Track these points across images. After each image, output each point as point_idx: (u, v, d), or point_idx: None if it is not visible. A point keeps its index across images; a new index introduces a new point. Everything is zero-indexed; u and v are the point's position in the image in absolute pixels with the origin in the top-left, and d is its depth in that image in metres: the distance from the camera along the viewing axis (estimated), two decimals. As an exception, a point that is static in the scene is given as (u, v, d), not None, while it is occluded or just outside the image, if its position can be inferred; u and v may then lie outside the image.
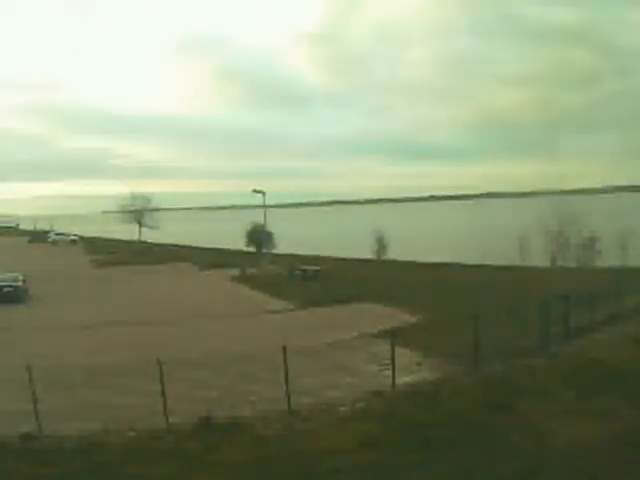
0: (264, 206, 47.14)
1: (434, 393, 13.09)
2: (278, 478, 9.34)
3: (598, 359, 14.24)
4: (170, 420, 12.10)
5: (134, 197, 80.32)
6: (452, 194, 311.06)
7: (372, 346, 17.27)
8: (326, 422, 11.90)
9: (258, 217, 50.31)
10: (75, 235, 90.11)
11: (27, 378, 12.31)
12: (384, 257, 53.78)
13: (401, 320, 22.70)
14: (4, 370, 14.48)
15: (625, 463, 8.84)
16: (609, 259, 42.42)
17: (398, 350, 14.76)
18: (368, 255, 54.59)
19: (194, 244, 76.59)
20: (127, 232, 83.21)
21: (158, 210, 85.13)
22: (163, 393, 12.32)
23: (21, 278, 34.01)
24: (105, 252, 64.98)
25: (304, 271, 38.36)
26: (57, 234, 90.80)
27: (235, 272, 42.41)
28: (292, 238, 66.53)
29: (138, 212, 79.44)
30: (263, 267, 43.96)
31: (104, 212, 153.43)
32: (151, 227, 79.82)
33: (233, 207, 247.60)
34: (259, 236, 55.76)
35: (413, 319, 23.10)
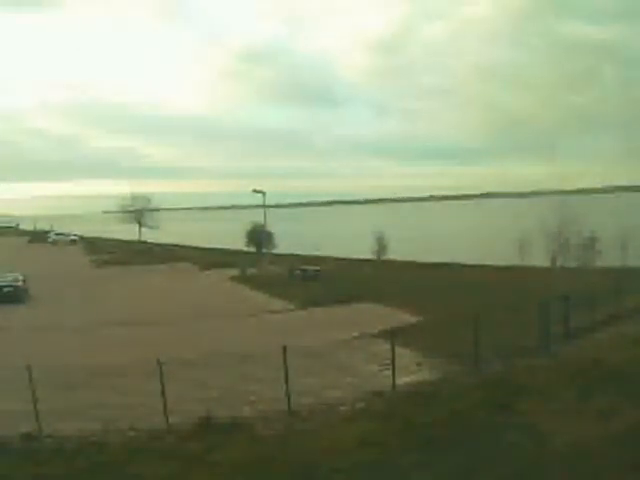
0: (264, 206, 47.15)
1: (434, 393, 13.08)
2: (278, 478, 9.33)
3: (598, 359, 14.22)
4: (170, 420, 12.10)
5: (134, 197, 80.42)
6: (452, 194, 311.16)
7: (372, 346, 17.27)
8: (326, 422, 11.90)
9: (259, 217, 50.24)
10: (75, 235, 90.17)
11: (27, 378, 12.31)
12: (384, 257, 53.73)
13: (401, 320, 22.70)
14: (4, 370, 14.45)
15: (625, 463, 8.84)
16: (609, 259, 42.38)
17: (398, 350, 14.76)
18: (368, 255, 54.55)
19: (194, 244, 76.65)
20: (127, 232, 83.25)
21: (158, 210, 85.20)
22: (163, 393, 12.32)
23: (21, 278, 34.03)
24: (105, 252, 65.03)
25: (304, 271, 38.36)
26: (57, 234, 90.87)
27: (235, 272, 42.42)
28: (292, 238, 66.57)
29: (138, 212, 79.50)
30: (263, 267, 43.96)
31: (104, 212, 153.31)
32: (151, 227, 79.88)
33: (233, 207, 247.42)
34: (259, 236, 55.78)
35: (413, 319, 23.10)
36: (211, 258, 53.36)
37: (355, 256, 53.66)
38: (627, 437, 9.69)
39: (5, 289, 32.38)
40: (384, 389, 13.87)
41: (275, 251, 55.77)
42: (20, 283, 33.50)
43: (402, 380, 14.40)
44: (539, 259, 45.68)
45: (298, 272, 38.52)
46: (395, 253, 53.48)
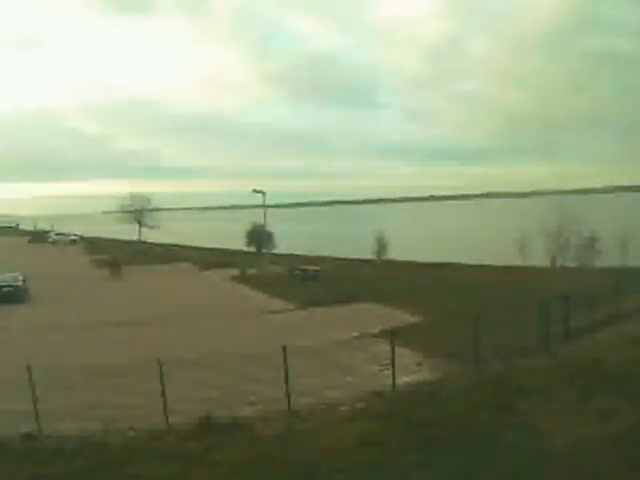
0: (264, 206, 47.18)
1: (434, 393, 13.07)
2: (278, 478, 9.33)
3: (598, 359, 14.22)
4: (170, 420, 12.10)
5: (134, 197, 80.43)
6: (452, 194, 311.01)
7: (372, 346, 17.26)
8: (326, 422, 11.89)
9: (260, 217, 50.17)
10: (75, 235, 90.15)
11: (27, 378, 12.31)
12: (384, 257, 53.73)
13: (401, 320, 22.71)
14: (4, 370, 14.48)
15: (625, 463, 8.84)
16: (609, 259, 42.39)
17: (398, 350, 14.76)
18: (368, 255, 54.54)
19: (194, 244, 76.66)
20: (127, 232, 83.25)
21: (159, 210, 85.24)
22: (163, 393, 12.32)
23: (21, 278, 34.05)
24: (105, 252, 65.00)
25: (304, 271, 38.39)
26: (57, 234, 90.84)
27: (235, 272, 42.45)
28: (292, 238, 66.58)
29: (138, 212, 79.50)
30: (263, 267, 43.97)
31: (104, 212, 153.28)
32: (151, 227, 79.89)
33: (233, 207, 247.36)
34: (259, 236, 55.79)
35: (413, 319, 23.11)
36: (211, 258, 53.38)
37: (355, 256, 53.68)
38: (627, 437, 9.69)
39: (5, 289, 32.40)
40: (384, 389, 13.87)
41: (275, 251, 55.80)
42: (20, 283, 33.52)
43: (402, 380, 14.40)
44: (539, 259, 45.70)
45: (298, 272, 38.54)
46: (395, 253, 53.49)
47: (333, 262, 48.09)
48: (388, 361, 14.39)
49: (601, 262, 43.26)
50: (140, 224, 79.93)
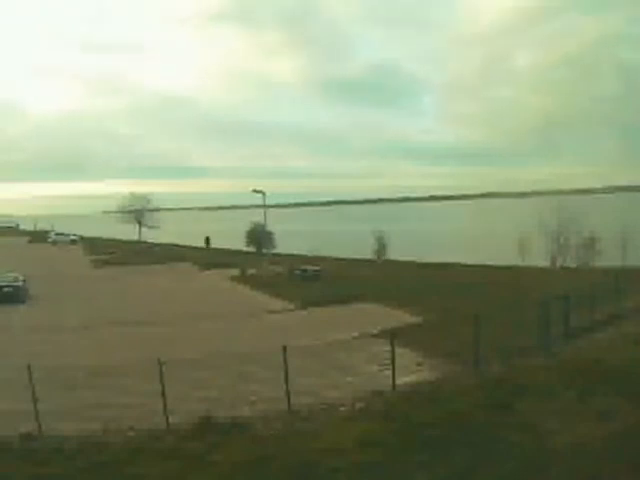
0: (264, 206, 47.21)
1: (434, 393, 13.08)
2: (278, 478, 9.34)
3: (598, 359, 14.23)
4: (170, 420, 12.10)
5: (134, 197, 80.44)
6: (452, 194, 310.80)
7: (372, 346, 17.26)
8: (326, 422, 11.89)
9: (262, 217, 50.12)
10: (75, 235, 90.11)
11: (27, 378, 12.31)
12: (384, 257, 53.74)
13: (401, 320, 22.71)
14: (4, 370, 14.49)
15: (625, 463, 8.84)
16: (609, 259, 42.40)
17: (398, 350, 14.75)
18: (369, 255, 54.56)
19: (194, 244, 76.62)
20: (127, 232, 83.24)
21: (159, 210, 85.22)
22: (163, 393, 12.32)
23: (21, 278, 34.04)
24: (105, 252, 65.02)
25: (304, 271, 38.37)
26: (57, 234, 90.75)
27: (235, 272, 42.44)
28: (294, 238, 66.58)
29: (138, 212, 79.49)
30: (263, 267, 43.98)
31: (104, 212, 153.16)
32: (151, 227, 79.87)
33: (234, 207, 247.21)
34: (259, 236, 55.79)
35: (413, 319, 23.11)
36: (211, 258, 53.36)
37: (356, 256, 53.68)
38: (627, 437, 9.70)
39: (5, 289, 32.39)
40: (384, 389, 13.87)
41: (275, 251, 55.81)
42: (20, 283, 33.51)
43: (402, 380, 14.39)
44: (539, 259, 45.72)
45: (298, 272, 38.53)
46: (395, 253, 53.52)
47: (333, 262, 48.06)
48: (388, 361, 14.38)
49: (601, 262, 43.28)
50: (140, 224, 79.93)
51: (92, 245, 79.22)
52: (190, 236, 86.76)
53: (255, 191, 46.79)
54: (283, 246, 58.46)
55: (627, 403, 11.21)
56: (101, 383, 14.27)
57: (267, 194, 46.73)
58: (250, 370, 14.75)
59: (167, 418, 12.13)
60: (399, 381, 14.23)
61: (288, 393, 12.87)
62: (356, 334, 19.61)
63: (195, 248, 70.67)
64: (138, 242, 78.73)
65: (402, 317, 23.64)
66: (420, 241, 65.82)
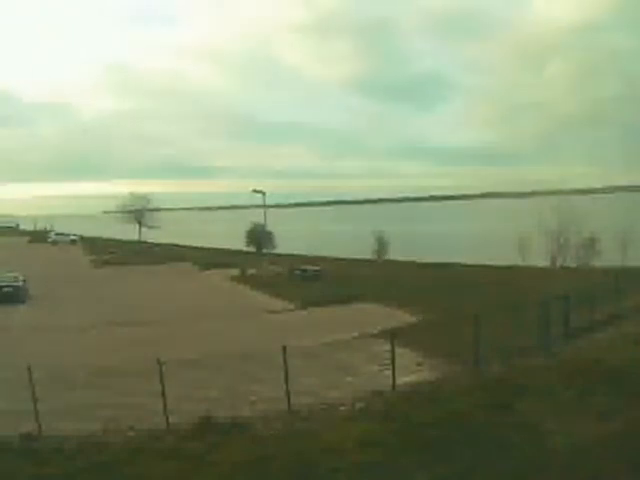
0: (264, 206, 47.23)
1: (434, 393, 13.08)
2: (278, 478, 9.34)
3: (598, 359, 14.23)
4: (170, 420, 12.10)
5: (134, 197, 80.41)
6: (452, 194, 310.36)
7: (372, 346, 17.26)
8: (326, 422, 11.89)
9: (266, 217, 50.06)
10: (75, 235, 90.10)
11: (27, 378, 12.32)
12: (384, 257, 53.73)
13: (401, 320, 22.72)
14: (4, 370, 14.48)
15: (625, 463, 8.84)
16: (609, 259, 42.40)
17: (398, 350, 14.75)
18: (368, 255, 54.55)
19: (194, 244, 76.63)
20: (127, 232, 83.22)
21: (159, 210, 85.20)
22: (163, 393, 12.32)
23: (21, 278, 34.03)
24: (105, 252, 65.02)
25: (304, 271, 38.37)
26: (57, 234, 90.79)
27: (235, 272, 42.44)
28: (294, 238, 66.57)
29: (138, 212, 79.46)
30: (263, 267, 43.98)
31: (104, 212, 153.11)
32: (151, 227, 79.85)
33: (234, 207, 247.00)
34: (259, 236, 55.80)
35: (413, 319, 23.11)
36: (211, 258, 53.36)
37: (356, 256, 53.68)
38: (627, 437, 9.70)
39: (5, 289, 32.38)
40: (384, 389, 13.87)
41: (275, 251, 55.80)
42: (20, 283, 33.50)
43: (402, 380, 14.39)
44: (539, 259, 45.71)
45: (298, 272, 38.53)
46: (395, 253, 53.51)
47: (333, 262, 48.06)
48: (388, 361, 14.39)
49: (601, 262, 43.27)
50: (140, 224, 79.91)
51: (92, 245, 79.24)
52: (190, 236, 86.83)
53: (255, 191, 46.85)
54: (283, 246, 58.43)
55: (627, 403, 11.22)
56: (101, 383, 14.27)
57: (267, 194, 46.88)
58: (250, 370, 14.75)
59: (167, 418, 12.13)
60: (399, 381, 14.23)
61: (288, 393, 12.87)
62: (356, 334, 19.60)
63: (195, 248, 70.71)
64: (138, 242, 78.69)
65: (402, 317, 23.64)
66: (434, 245, 64.35)
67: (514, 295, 25.30)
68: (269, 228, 53.62)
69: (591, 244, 45.81)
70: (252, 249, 57.74)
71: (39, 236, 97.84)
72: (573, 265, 44.71)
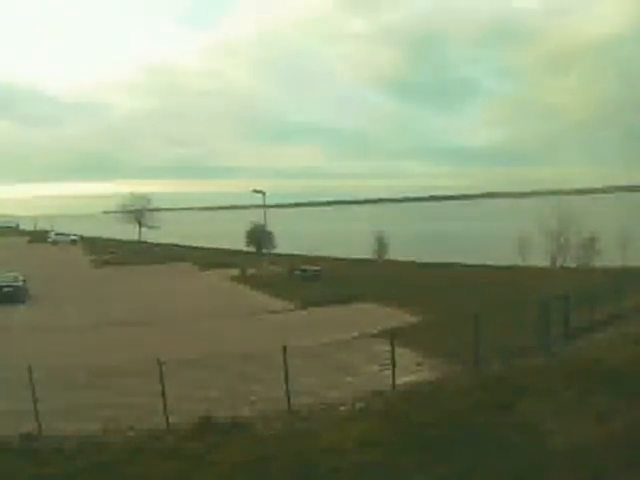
0: (264, 206, 47.24)
1: (434, 393, 13.08)
2: (278, 478, 9.33)
3: (598, 359, 14.22)
4: (170, 420, 12.10)
5: (134, 197, 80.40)
6: (452, 194, 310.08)
7: (372, 346, 17.27)
8: (326, 422, 11.89)
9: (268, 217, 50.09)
10: (75, 235, 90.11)
11: (27, 378, 12.32)
12: (384, 257, 53.75)
13: (401, 320, 22.72)
14: (4, 370, 14.48)
15: (625, 463, 8.84)
16: (609, 259, 42.40)
17: (398, 350, 14.76)
18: (368, 255, 54.56)
19: (194, 244, 76.62)
20: (127, 232, 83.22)
21: (159, 210, 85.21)
22: (163, 393, 12.32)
23: (21, 278, 34.05)
24: (105, 252, 65.03)
25: (304, 271, 38.37)
26: (57, 234, 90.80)
27: (235, 272, 42.44)
28: (294, 238, 66.57)
29: (138, 212, 79.44)
30: (263, 267, 43.98)
31: (104, 212, 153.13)
32: (151, 227, 79.84)
33: (234, 207, 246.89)
34: (259, 236, 55.80)
35: (413, 319, 23.11)
36: (211, 258, 53.36)
37: (356, 256, 53.69)
38: (626, 437, 9.69)
39: (5, 289, 32.39)
40: (384, 389, 13.87)
41: (275, 251, 55.80)
42: (20, 283, 33.52)
43: (402, 380, 14.39)
44: (539, 259, 45.71)
45: (298, 272, 38.53)
46: (395, 253, 53.51)
47: (333, 262, 48.07)
48: (388, 361, 14.39)
49: (601, 262, 43.28)
50: (140, 224, 79.90)
51: (92, 245, 79.27)
52: (190, 236, 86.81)
53: (255, 191, 46.87)
54: (283, 246, 58.45)
55: (627, 403, 11.21)
56: (101, 383, 14.28)
57: (268, 194, 46.92)
58: (250, 370, 14.76)
59: (167, 418, 12.13)
60: (399, 381, 14.23)
61: (288, 393, 12.87)
62: (356, 334, 19.61)
63: (195, 248, 70.71)
64: (138, 242, 78.69)
65: (402, 317, 23.64)
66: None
67: (514, 295, 25.30)
68: (269, 228, 53.63)
69: (591, 244, 45.81)
70: (252, 249, 57.76)
71: (39, 236, 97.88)
72: (573, 265, 44.73)
